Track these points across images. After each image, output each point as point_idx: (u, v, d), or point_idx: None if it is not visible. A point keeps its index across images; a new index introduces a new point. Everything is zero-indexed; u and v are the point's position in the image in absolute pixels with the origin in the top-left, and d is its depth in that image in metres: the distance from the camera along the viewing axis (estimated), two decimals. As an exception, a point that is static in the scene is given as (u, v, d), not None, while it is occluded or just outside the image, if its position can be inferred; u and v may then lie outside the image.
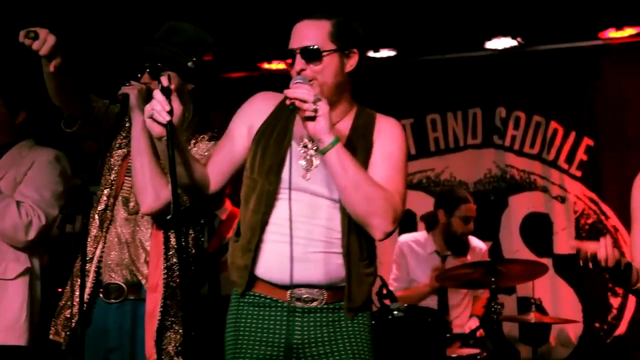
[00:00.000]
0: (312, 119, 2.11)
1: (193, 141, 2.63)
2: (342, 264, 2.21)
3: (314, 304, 2.22)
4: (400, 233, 4.84)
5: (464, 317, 4.69)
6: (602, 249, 1.96)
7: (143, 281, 2.57)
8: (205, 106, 2.73)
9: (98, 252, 2.61)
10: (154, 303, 2.53)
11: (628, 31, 5.04)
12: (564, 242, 5.31)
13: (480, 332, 4.39)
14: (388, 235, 2.20)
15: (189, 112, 2.64)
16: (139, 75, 2.62)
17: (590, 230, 5.26)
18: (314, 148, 2.23)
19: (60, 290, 3.38)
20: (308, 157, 2.25)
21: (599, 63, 5.27)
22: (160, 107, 2.13)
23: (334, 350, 2.21)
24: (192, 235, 2.67)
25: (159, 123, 2.13)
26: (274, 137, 2.29)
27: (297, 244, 2.17)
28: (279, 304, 2.23)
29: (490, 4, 4.72)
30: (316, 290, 2.21)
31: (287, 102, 2.13)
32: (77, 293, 2.50)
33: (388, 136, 2.29)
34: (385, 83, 5.51)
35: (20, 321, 3.05)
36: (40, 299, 3.15)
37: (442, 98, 5.64)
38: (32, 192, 3.10)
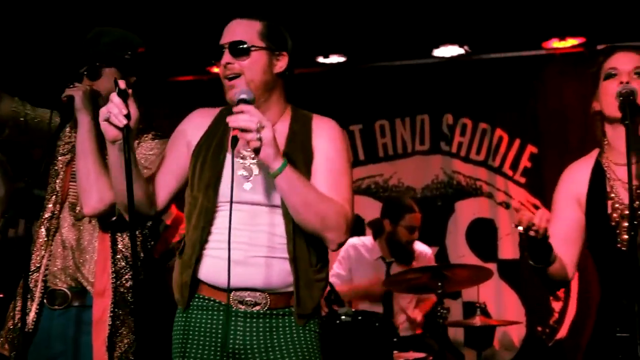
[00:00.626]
0: (258, 149, 2.08)
1: (137, 141, 2.60)
2: (288, 270, 2.19)
3: (257, 308, 2.19)
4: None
5: (410, 322, 4.74)
6: (537, 217, 2.03)
7: (88, 287, 2.53)
8: (145, 100, 2.69)
9: (45, 260, 2.57)
10: (102, 308, 2.50)
11: (570, 41, 5.18)
12: (509, 248, 5.42)
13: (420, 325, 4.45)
14: (340, 247, 2.22)
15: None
16: (78, 78, 2.60)
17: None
18: (252, 157, 2.21)
19: (2, 295, 3.29)
20: (247, 166, 2.23)
21: (542, 72, 5.39)
22: (117, 110, 2.10)
23: (278, 358, 2.18)
24: (140, 239, 2.65)
25: (115, 126, 2.11)
26: (211, 152, 2.27)
27: (238, 249, 2.15)
28: (222, 307, 2.21)
29: (438, 13, 4.78)
30: (259, 293, 2.19)
31: (232, 132, 2.10)
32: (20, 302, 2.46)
33: (327, 139, 2.27)
34: (335, 89, 5.54)
35: None
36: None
37: (390, 104, 5.69)
38: None
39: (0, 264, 3.36)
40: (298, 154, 2.24)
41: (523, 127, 5.46)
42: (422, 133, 5.69)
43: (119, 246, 2.56)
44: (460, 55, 5.44)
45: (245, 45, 2.24)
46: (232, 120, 2.08)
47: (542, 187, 5.36)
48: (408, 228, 4.65)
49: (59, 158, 2.67)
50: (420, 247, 4.81)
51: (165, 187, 2.32)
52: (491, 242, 5.45)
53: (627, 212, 2.16)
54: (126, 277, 2.57)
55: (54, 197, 2.62)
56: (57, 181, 2.63)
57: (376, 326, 3.93)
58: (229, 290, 2.13)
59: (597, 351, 2.16)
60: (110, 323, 2.50)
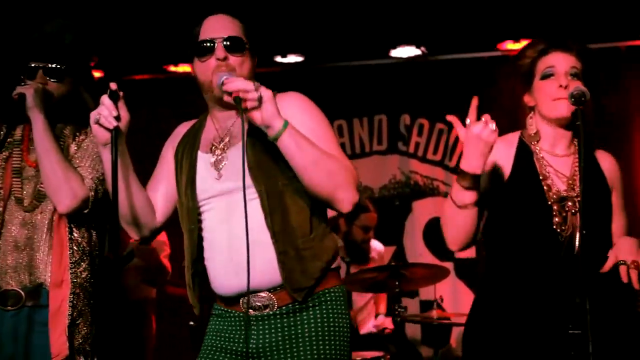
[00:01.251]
0: (258, 107, 2.01)
1: (82, 136, 2.60)
2: (274, 256, 2.10)
3: (267, 310, 2.13)
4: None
5: (369, 319, 4.77)
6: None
7: (44, 281, 2.50)
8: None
9: None
10: (60, 299, 2.48)
11: (524, 43, 5.19)
12: (465, 246, 5.47)
13: (389, 330, 4.46)
14: (354, 205, 2.10)
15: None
16: (31, 72, 2.55)
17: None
18: (222, 147, 2.19)
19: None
20: (218, 158, 2.19)
21: (497, 73, 5.46)
22: (107, 112, 2.07)
23: (295, 357, 2.10)
24: (95, 233, 2.62)
25: (106, 128, 2.07)
26: (185, 154, 2.26)
27: (222, 254, 2.13)
28: (234, 314, 2.18)
29: (395, 14, 4.82)
30: (262, 294, 2.12)
31: (226, 98, 2.04)
32: None
33: (297, 111, 2.16)
34: (292, 88, 5.51)
35: None
36: None
37: (348, 104, 5.71)
38: None
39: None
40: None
41: (478, 127, 5.52)
42: (379, 133, 5.72)
43: (75, 236, 2.53)
44: (417, 56, 5.50)
45: (241, 41, 2.18)
46: (229, 82, 2.02)
47: (498, 186, 5.43)
48: (363, 227, 4.68)
49: None
50: (372, 243, 4.84)
51: (166, 197, 2.29)
52: (448, 241, 5.50)
53: (559, 198, 2.21)
54: (83, 267, 2.54)
55: None
56: None
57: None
58: (240, 295, 2.12)
59: (546, 348, 2.19)
60: (69, 313, 2.47)
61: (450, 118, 2.17)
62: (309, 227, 2.14)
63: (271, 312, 2.13)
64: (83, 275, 2.54)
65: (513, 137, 2.36)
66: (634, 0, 4.56)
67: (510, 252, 2.27)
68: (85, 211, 2.49)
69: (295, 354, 2.10)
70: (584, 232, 2.02)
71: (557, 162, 2.27)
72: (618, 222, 2.32)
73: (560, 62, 2.26)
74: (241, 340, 2.14)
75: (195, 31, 2.24)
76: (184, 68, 5.70)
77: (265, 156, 2.13)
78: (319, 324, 2.12)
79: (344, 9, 4.72)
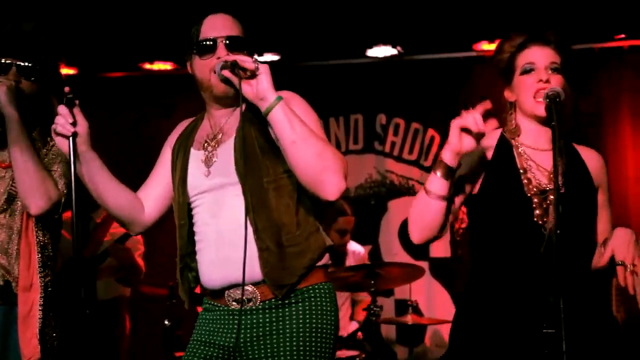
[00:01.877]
0: (253, 76, 2.04)
1: (53, 141, 2.56)
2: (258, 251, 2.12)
3: (250, 304, 2.14)
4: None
5: (344, 321, 4.77)
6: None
7: (13, 284, 2.46)
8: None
9: None
10: (29, 302, 2.45)
11: (500, 44, 5.30)
12: (440, 246, 5.50)
13: (358, 335, 4.47)
14: (341, 193, 2.09)
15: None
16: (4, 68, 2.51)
17: (464, 235, 5.47)
18: (213, 144, 2.20)
19: None
20: (208, 155, 2.21)
21: (472, 73, 5.50)
22: (63, 121, 2.10)
23: (275, 352, 2.11)
24: (48, 234, 2.58)
25: (64, 136, 2.10)
26: (180, 152, 2.29)
27: (209, 247, 2.16)
28: (220, 309, 2.21)
29: (372, 14, 4.83)
30: (248, 288, 2.12)
31: (224, 72, 2.07)
32: None
33: (295, 108, 2.15)
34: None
35: None
36: None
37: (324, 103, 5.66)
38: None
39: None
40: (263, 126, 2.15)
41: (454, 127, 5.55)
42: (355, 132, 5.73)
43: (42, 239, 2.50)
44: (393, 56, 5.51)
45: (243, 40, 2.20)
46: (229, 57, 2.08)
47: (473, 186, 5.47)
48: (340, 231, 4.67)
49: None
50: (354, 246, 4.84)
51: (152, 201, 2.32)
52: (423, 240, 5.52)
53: (539, 191, 2.21)
54: (48, 271, 2.51)
55: None
56: None
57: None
58: (223, 290, 2.15)
59: (521, 346, 2.20)
60: (40, 317, 2.45)
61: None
62: (295, 224, 2.14)
63: (254, 307, 2.14)
64: (48, 279, 2.52)
65: (495, 133, 2.36)
66: (607, 3, 4.61)
67: (492, 248, 2.27)
68: (56, 216, 2.46)
69: (276, 348, 2.11)
70: (558, 231, 2.02)
71: (539, 156, 2.27)
72: (604, 219, 2.32)
73: (540, 56, 2.26)
74: (226, 334, 2.17)
75: (194, 29, 2.25)
76: (159, 66, 5.66)
77: (253, 153, 2.14)
78: (301, 320, 2.13)
79: (320, 8, 4.72)
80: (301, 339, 2.12)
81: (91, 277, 4.36)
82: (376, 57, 5.53)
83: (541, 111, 2.21)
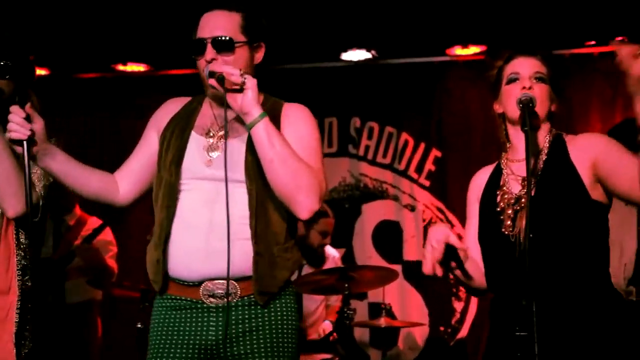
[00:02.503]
0: (240, 90, 2.06)
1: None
2: (251, 251, 2.13)
3: (228, 298, 2.13)
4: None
5: (319, 325, 4.77)
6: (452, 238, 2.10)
7: None
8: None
9: None
10: (7, 306, 2.42)
11: (473, 49, 5.35)
12: (413, 249, 5.53)
13: (333, 336, 4.47)
14: (313, 214, 2.13)
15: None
16: None
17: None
18: (219, 135, 2.19)
19: None
20: (212, 144, 2.20)
21: (445, 78, 5.54)
22: (16, 125, 2.09)
23: (254, 350, 2.13)
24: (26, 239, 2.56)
25: (19, 140, 2.09)
26: (176, 132, 2.25)
27: (198, 235, 2.12)
28: (193, 304, 2.16)
29: (346, 18, 4.84)
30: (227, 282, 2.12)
31: (210, 81, 2.08)
32: None
33: (296, 120, 2.24)
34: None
35: None
36: None
37: (299, 107, 5.70)
38: None
39: None
40: None
41: (428, 131, 5.59)
42: (330, 136, 5.73)
43: (23, 242, 2.47)
44: (367, 60, 5.53)
45: (229, 41, 2.18)
46: (216, 66, 2.09)
47: (446, 190, 5.51)
48: (321, 232, 4.68)
49: None
50: (328, 250, 4.84)
51: (131, 179, 2.31)
52: (396, 244, 5.55)
53: (513, 200, 2.24)
54: (29, 274, 2.48)
55: None
56: None
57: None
58: (200, 282, 2.13)
59: (496, 350, 2.23)
60: (17, 320, 2.41)
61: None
62: (284, 236, 2.19)
63: (232, 303, 2.14)
64: (29, 283, 2.48)
65: (493, 164, 2.42)
66: (578, 10, 4.68)
67: (485, 264, 2.34)
68: (35, 219, 2.43)
69: (256, 346, 2.13)
70: (531, 235, 2.05)
71: (517, 166, 2.30)
72: (626, 166, 2.12)
73: (524, 66, 2.30)
74: (202, 333, 2.14)
75: (195, 26, 2.25)
76: (132, 67, 5.63)
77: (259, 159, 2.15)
78: (278, 318, 2.18)
79: (295, 11, 4.72)
80: (280, 336, 2.16)
81: (60, 279, 4.32)
82: (350, 61, 5.55)
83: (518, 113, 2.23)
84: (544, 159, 2.27)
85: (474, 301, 5.38)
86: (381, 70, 5.58)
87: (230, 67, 2.10)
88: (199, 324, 2.16)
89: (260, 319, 2.16)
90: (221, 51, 2.17)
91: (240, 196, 2.14)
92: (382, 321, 4.33)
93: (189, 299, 2.17)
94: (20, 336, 2.43)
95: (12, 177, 2.37)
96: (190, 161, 2.19)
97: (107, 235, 4.52)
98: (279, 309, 2.19)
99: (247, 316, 2.15)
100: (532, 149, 2.16)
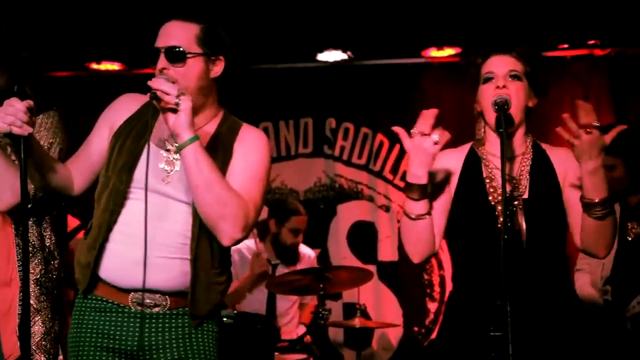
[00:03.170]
0: (174, 111, 2.06)
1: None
2: (188, 271, 2.15)
3: (156, 309, 2.16)
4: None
5: (293, 324, 4.77)
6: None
7: None
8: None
9: None
10: (9, 298, 2.40)
11: (448, 51, 5.39)
12: (388, 250, 5.55)
13: (307, 339, 4.47)
14: (236, 242, 2.15)
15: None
16: None
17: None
18: (174, 151, 2.18)
19: None
20: (170, 160, 2.20)
21: (421, 79, 5.57)
22: (18, 120, 2.03)
23: (181, 357, 2.15)
24: (49, 223, 2.53)
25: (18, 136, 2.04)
26: (132, 136, 2.23)
27: (139, 247, 2.11)
28: (120, 309, 2.16)
29: (323, 18, 4.85)
30: (158, 295, 2.15)
31: (148, 94, 2.07)
32: None
33: (250, 146, 2.24)
34: (219, 90, 5.48)
35: None
36: None
37: (274, 107, 5.71)
38: None
39: None
40: (218, 153, 2.20)
41: (403, 132, 5.61)
42: (305, 136, 5.74)
43: (31, 232, 2.44)
44: (343, 61, 5.54)
45: (181, 52, 2.17)
46: (154, 83, 2.06)
47: (420, 191, 5.52)
48: (293, 230, 4.66)
49: None
50: (303, 249, 4.84)
51: (82, 171, 2.29)
52: (371, 244, 5.57)
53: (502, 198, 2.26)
54: (35, 263, 2.45)
55: None
56: None
57: (258, 328, 3.93)
58: (132, 290, 2.13)
59: (470, 349, 2.24)
60: (19, 312, 2.38)
61: (395, 129, 2.20)
62: (219, 260, 2.21)
63: (160, 312, 2.16)
64: (36, 271, 2.45)
65: (465, 147, 2.42)
66: (551, 13, 4.73)
67: (462, 255, 2.34)
68: (29, 206, 2.38)
69: (190, 351, 2.16)
70: (506, 237, 2.06)
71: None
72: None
73: (499, 65, 2.31)
74: (126, 338, 2.15)
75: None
76: (106, 66, 5.58)
77: None
78: (199, 329, 2.20)
79: (271, 11, 4.72)
80: (201, 345, 2.19)
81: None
82: (326, 62, 5.55)
83: (493, 116, 2.25)
84: (529, 162, 2.31)
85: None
86: (357, 71, 5.60)
87: (167, 83, 2.08)
88: (125, 329, 2.16)
89: (181, 329, 2.18)
90: (173, 61, 2.16)
91: (184, 216, 2.16)
92: (357, 321, 4.34)
93: (115, 302, 2.17)
94: (27, 327, 2.39)
95: (1, 168, 2.32)
96: (143, 172, 2.16)
97: (81, 234, 4.47)
98: (206, 327, 2.22)
99: (180, 324, 2.18)
100: (507, 150, 2.18)
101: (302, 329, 4.66)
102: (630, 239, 3.76)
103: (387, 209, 5.60)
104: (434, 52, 5.40)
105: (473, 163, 2.36)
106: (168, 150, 2.21)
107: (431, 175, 2.28)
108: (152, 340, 2.15)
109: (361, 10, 4.74)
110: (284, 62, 5.60)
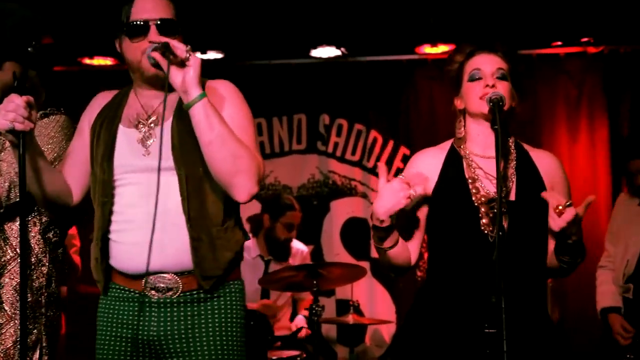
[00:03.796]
0: (182, 65, 2.02)
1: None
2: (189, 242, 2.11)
3: (169, 293, 2.12)
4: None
5: (285, 319, 4.77)
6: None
7: None
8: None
9: None
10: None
11: (441, 48, 5.39)
12: (381, 246, 5.55)
13: (301, 334, 4.47)
14: (252, 197, 2.10)
15: (41, 98, 2.48)
16: None
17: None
18: (150, 124, 2.15)
19: None
20: (145, 134, 2.16)
21: (414, 76, 5.57)
22: (18, 116, 2.00)
23: (197, 347, 2.11)
24: (37, 228, 2.48)
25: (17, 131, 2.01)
26: (105, 124, 2.21)
27: (136, 230, 2.10)
28: (138, 297, 2.14)
29: (316, 14, 4.84)
30: (168, 277, 2.11)
31: (153, 54, 2.03)
32: None
33: (223, 98, 2.18)
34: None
35: None
36: None
37: (268, 103, 5.69)
38: None
39: None
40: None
41: (396, 129, 5.62)
42: (299, 132, 5.73)
43: (6, 235, 2.41)
44: (337, 57, 5.53)
45: (175, 23, 2.15)
46: (162, 38, 2.03)
47: (413, 187, 5.53)
48: (287, 225, 4.66)
49: None
50: (297, 245, 4.84)
51: (75, 179, 2.25)
52: (365, 241, 5.57)
53: (487, 199, 2.25)
54: (14, 270, 2.42)
55: None
56: None
57: (251, 324, 3.92)
58: (144, 275, 2.09)
59: (464, 346, 2.24)
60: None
61: (380, 165, 2.19)
62: (222, 217, 2.14)
63: (174, 298, 2.12)
64: (16, 277, 2.41)
65: (445, 145, 2.40)
66: (545, 11, 4.73)
67: (443, 255, 2.32)
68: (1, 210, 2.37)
69: (199, 344, 2.12)
70: (500, 233, 2.06)
71: (487, 164, 2.30)
72: None
73: (486, 63, 2.31)
74: (139, 326, 2.13)
75: (125, 9, 2.17)
76: (99, 61, 5.56)
77: (189, 139, 2.11)
78: (222, 316, 2.15)
79: (265, 7, 4.71)
80: (220, 334, 2.14)
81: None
82: (320, 58, 5.55)
83: (486, 109, 2.24)
84: (513, 164, 2.31)
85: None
86: (351, 67, 5.59)
87: (175, 40, 2.05)
88: (142, 318, 2.14)
89: (204, 317, 2.14)
90: (167, 34, 2.12)
91: (172, 182, 2.11)
92: (350, 318, 4.34)
93: (133, 290, 2.16)
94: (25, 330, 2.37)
95: None
96: (122, 156, 2.15)
97: (71, 229, 4.45)
98: (222, 305, 2.16)
99: (189, 313, 2.13)
100: (502, 147, 2.17)
101: (301, 321, 4.67)
102: None
103: (380, 206, 5.59)
104: (428, 49, 5.40)
105: (454, 162, 2.34)
106: (138, 127, 2.17)
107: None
108: (167, 328, 2.12)
109: (355, 6, 4.74)
110: (278, 58, 5.59)
